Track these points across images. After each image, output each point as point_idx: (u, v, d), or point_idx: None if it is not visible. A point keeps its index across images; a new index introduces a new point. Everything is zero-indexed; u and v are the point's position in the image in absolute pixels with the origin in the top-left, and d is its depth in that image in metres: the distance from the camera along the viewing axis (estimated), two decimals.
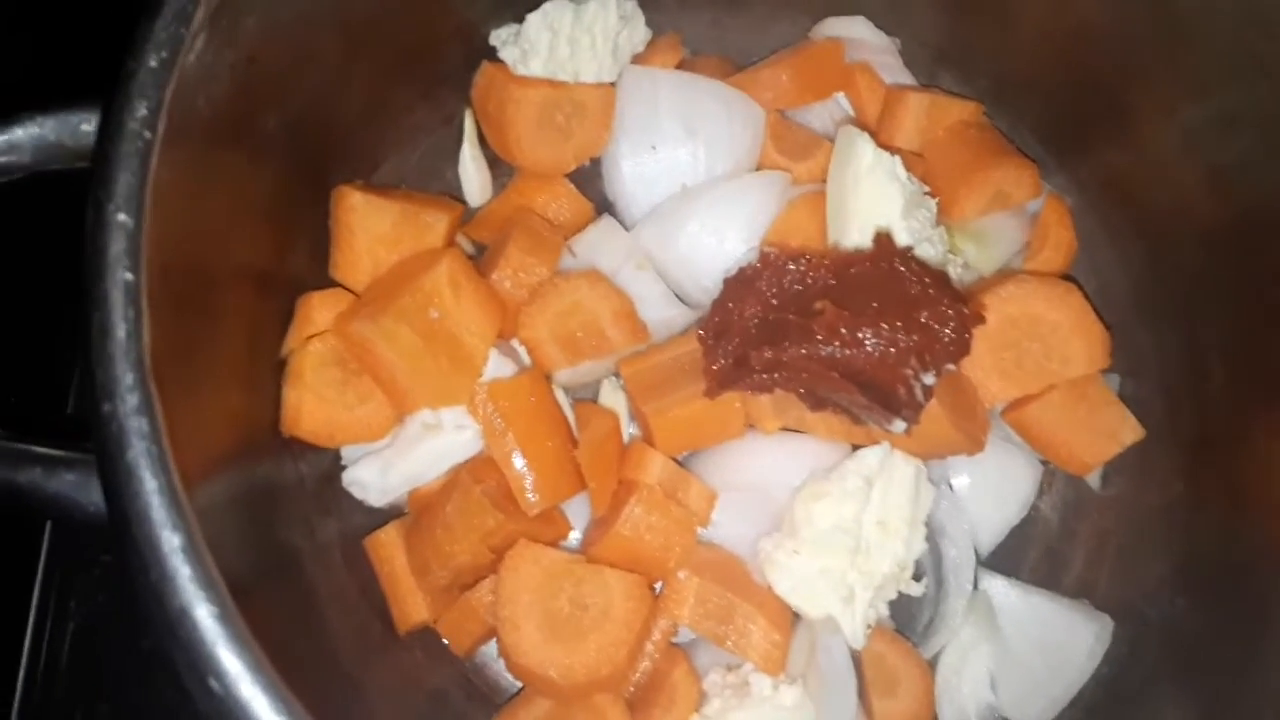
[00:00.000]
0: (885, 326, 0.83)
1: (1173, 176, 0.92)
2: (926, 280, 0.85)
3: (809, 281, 0.89)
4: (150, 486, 0.50)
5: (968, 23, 0.99)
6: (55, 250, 1.03)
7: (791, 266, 0.89)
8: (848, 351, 0.83)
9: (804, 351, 0.84)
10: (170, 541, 0.50)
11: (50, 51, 1.08)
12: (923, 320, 0.84)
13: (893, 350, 0.83)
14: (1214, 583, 0.90)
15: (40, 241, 0.97)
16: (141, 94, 0.55)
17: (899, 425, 0.85)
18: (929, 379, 0.85)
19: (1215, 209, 0.89)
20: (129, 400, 0.51)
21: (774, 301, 0.88)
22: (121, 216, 0.53)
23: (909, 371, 0.83)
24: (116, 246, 0.53)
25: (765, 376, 0.86)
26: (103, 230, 0.53)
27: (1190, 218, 0.92)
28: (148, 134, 0.54)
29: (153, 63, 0.55)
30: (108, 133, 0.54)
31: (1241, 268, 0.88)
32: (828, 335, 0.83)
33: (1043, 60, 0.97)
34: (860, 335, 0.83)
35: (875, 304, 0.84)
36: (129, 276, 0.53)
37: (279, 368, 0.89)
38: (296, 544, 0.88)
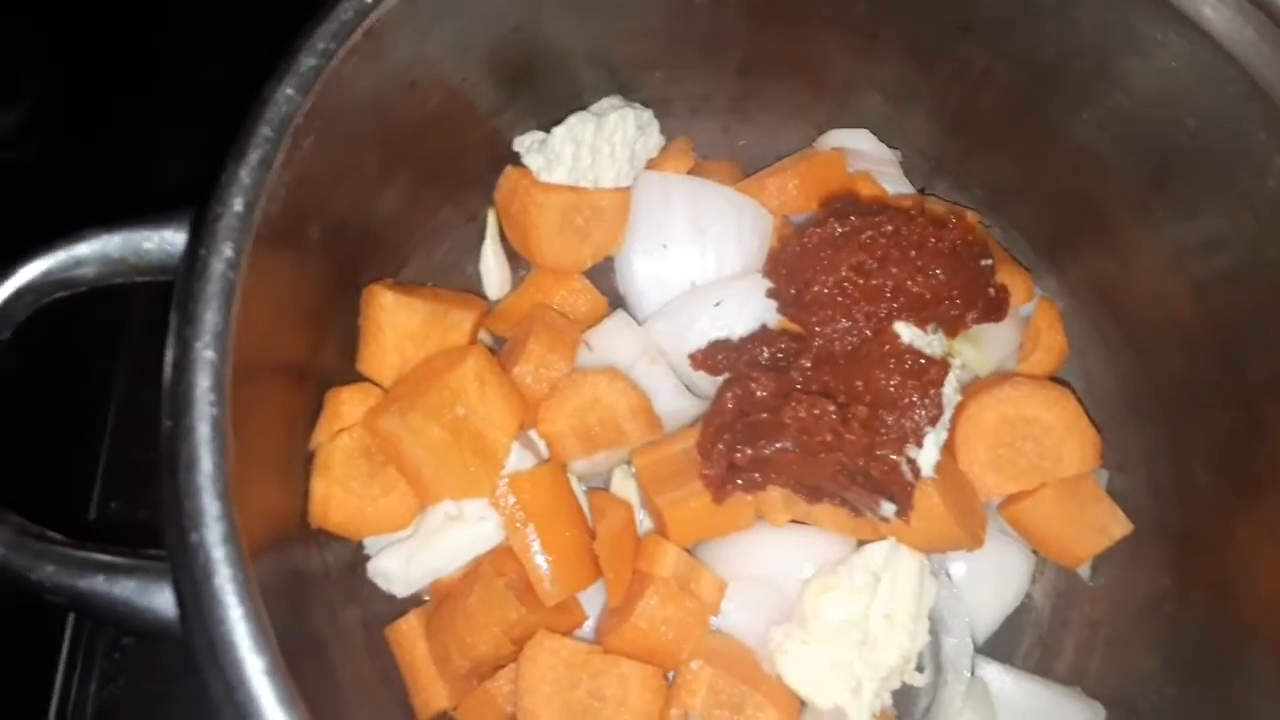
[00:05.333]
0: (852, 414, 0.86)
1: (1158, 287, 0.98)
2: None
3: (782, 356, 0.94)
4: (236, 613, 0.53)
5: (963, 138, 1.05)
6: (74, 363, 1.07)
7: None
8: (822, 440, 0.86)
9: (781, 446, 0.87)
10: (255, 665, 0.53)
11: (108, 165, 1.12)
12: (894, 384, 0.87)
13: (863, 434, 0.86)
14: (1201, 674, 0.94)
15: (61, 355, 1.01)
16: (228, 236, 0.59)
17: (888, 508, 0.89)
18: (913, 453, 0.88)
19: (1198, 319, 0.94)
20: (215, 529, 0.54)
21: (753, 386, 0.91)
22: (209, 354, 0.56)
23: (886, 450, 0.87)
24: (204, 383, 0.56)
25: (755, 475, 0.90)
26: (190, 367, 0.56)
27: (1175, 326, 0.97)
28: (232, 274, 0.58)
29: (238, 206, 0.59)
30: (194, 271, 0.58)
31: (1223, 375, 0.93)
32: (797, 427, 0.87)
33: (1036, 174, 1.03)
34: (825, 420, 0.86)
35: (849, 369, 0.88)
36: (215, 411, 0.56)
37: (308, 460, 0.92)
38: (321, 632, 0.89)
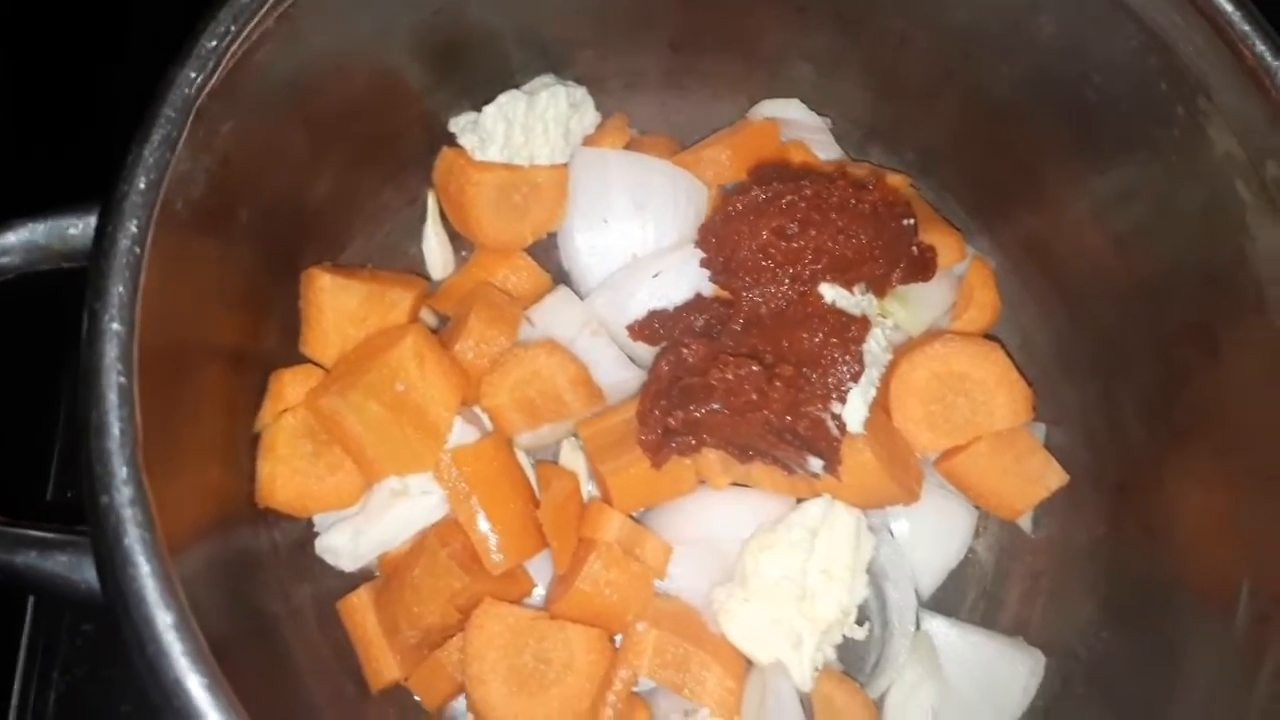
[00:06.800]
0: (777, 373, 0.88)
1: (1084, 242, 1.00)
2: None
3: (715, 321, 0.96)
4: (145, 570, 0.56)
5: (892, 104, 1.07)
6: (31, 345, 1.09)
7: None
8: (748, 400, 0.88)
9: (710, 408, 0.89)
10: (164, 620, 0.55)
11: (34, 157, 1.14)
12: (816, 342, 0.89)
13: (787, 392, 0.88)
14: (1135, 618, 0.96)
15: (16, 337, 1.03)
16: (133, 214, 0.61)
17: (816, 464, 0.91)
18: (838, 409, 0.90)
19: (1122, 272, 0.97)
20: (124, 492, 0.56)
21: (684, 352, 0.93)
22: (116, 326, 0.59)
23: (811, 407, 0.89)
24: (111, 353, 0.58)
25: (689, 438, 0.92)
26: (98, 338, 0.58)
27: (1102, 280, 0.99)
28: (137, 250, 0.60)
29: (142, 184, 0.61)
30: (102, 249, 0.60)
31: (1149, 326, 0.95)
32: (724, 388, 0.89)
33: (963, 136, 1.06)
34: (750, 380, 0.88)
35: (776, 330, 0.91)
36: (123, 380, 0.58)
37: (253, 442, 0.94)
38: (272, 609, 0.92)
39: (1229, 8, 0.72)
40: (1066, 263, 1.03)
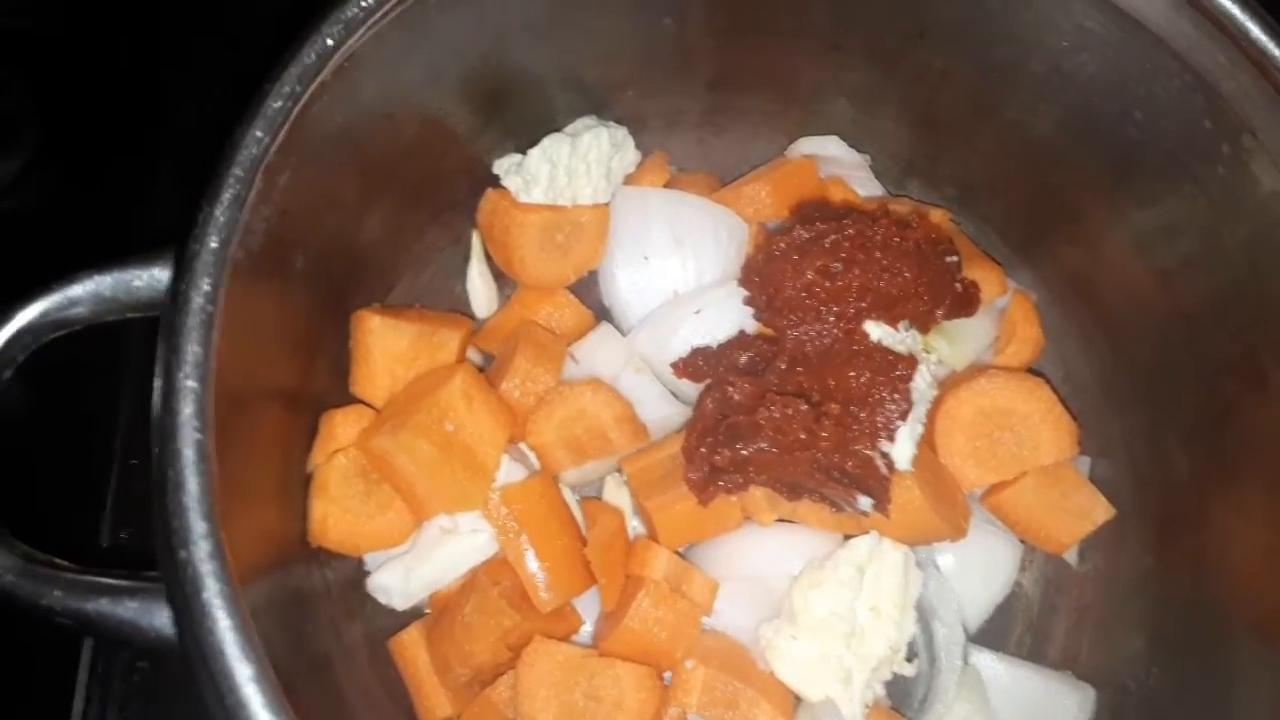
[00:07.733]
0: (825, 411, 0.89)
1: (1127, 275, 1.00)
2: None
3: (760, 359, 0.96)
4: (224, 624, 0.57)
5: (931, 139, 1.08)
6: (82, 391, 1.11)
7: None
8: (796, 439, 0.89)
9: (758, 446, 0.90)
10: (244, 672, 0.56)
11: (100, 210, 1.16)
12: (864, 380, 0.90)
13: (835, 431, 0.88)
14: (1186, 652, 0.95)
15: (65, 392, 1.05)
16: (205, 272, 0.62)
17: (866, 503, 0.91)
18: (887, 447, 0.91)
19: (1165, 305, 0.97)
20: (202, 546, 0.58)
21: (730, 390, 0.94)
22: (191, 383, 0.60)
23: (859, 445, 0.89)
24: (187, 410, 0.60)
25: (737, 476, 0.93)
26: (174, 395, 0.60)
27: (1145, 313, 0.99)
28: (210, 307, 0.62)
29: (214, 243, 0.63)
30: (176, 306, 0.62)
31: (1193, 359, 0.95)
32: (772, 427, 0.89)
33: (1003, 170, 1.06)
34: (798, 419, 0.89)
35: (822, 369, 0.91)
36: (199, 436, 0.60)
37: (305, 481, 0.95)
38: (325, 647, 0.93)
39: (1276, 51, 0.72)
40: (1109, 295, 1.04)
